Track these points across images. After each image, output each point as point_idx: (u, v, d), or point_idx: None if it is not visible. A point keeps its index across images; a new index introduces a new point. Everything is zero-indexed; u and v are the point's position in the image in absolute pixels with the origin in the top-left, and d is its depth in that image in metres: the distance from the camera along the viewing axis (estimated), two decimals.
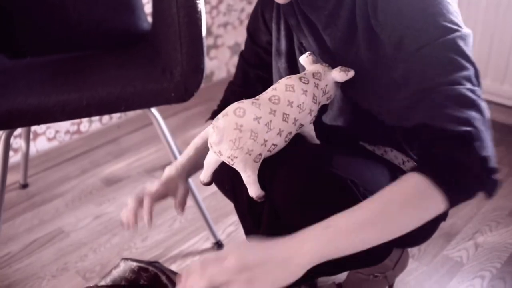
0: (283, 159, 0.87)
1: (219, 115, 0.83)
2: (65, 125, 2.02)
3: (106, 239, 1.52)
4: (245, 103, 0.83)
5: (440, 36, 0.79)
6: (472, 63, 0.79)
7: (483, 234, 1.49)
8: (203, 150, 1.02)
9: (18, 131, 1.86)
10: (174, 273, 1.07)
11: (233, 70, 2.57)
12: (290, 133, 0.86)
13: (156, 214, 1.61)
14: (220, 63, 2.50)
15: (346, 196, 0.86)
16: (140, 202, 0.95)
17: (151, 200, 0.95)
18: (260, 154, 0.83)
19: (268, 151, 0.84)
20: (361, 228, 0.71)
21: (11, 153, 1.87)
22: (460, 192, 0.74)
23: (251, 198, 0.87)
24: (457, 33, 0.79)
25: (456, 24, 0.80)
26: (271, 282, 0.68)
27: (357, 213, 0.72)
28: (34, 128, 1.93)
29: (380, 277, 1.18)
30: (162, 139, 1.40)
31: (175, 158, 1.41)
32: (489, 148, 0.75)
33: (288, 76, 0.88)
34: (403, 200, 0.72)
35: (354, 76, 0.90)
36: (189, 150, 1.04)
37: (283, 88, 0.86)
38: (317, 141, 0.95)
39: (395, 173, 0.99)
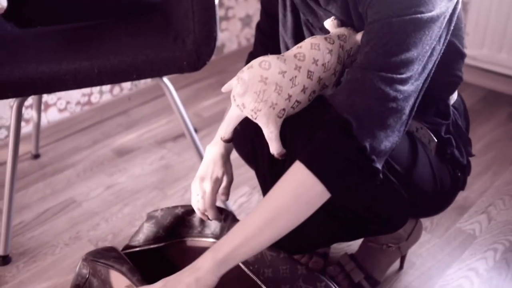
0: (305, 118, 0.86)
1: (244, 68, 0.82)
2: (76, 96, 2.01)
3: (118, 209, 1.52)
4: (270, 57, 0.82)
5: (390, 16, 0.77)
6: (410, 51, 0.77)
7: (496, 207, 1.47)
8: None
9: (29, 101, 1.86)
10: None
11: (244, 42, 2.54)
12: (314, 91, 0.85)
13: (168, 184, 1.62)
14: (231, 35, 2.48)
15: None
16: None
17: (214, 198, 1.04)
18: (284, 109, 0.82)
19: (291, 107, 0.83)
20: (255, 234, 0.81)
21: (22, 123, 1.87)
22: (337, 179, 0.79)
23: (272, 158, 0.86)
24: (409, 17, 0.76)
25: (418, 6, 0.76)
26: None
27: (249, 222, 0.82)
28: (45, 99, 1.92)
29: (393, 247, 1.18)
30: (174, 109, 1.39)
31: (187, 128, 1.41)
32: (374, 138, 0.77)
33: (313, 36, 0.87)
34: (291, 200, 0.80)
35: None
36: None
37: (309, 46, 0.84)
38: None
39: (412, 137, 0.99)
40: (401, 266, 1.27)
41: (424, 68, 0.81)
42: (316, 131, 0.81)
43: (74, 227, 1.46)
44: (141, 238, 1.08)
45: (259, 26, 1.11)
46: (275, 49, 1.07)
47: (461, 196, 1.49)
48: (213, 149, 1.08)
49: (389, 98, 0.77)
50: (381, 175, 0.81)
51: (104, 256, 0.99)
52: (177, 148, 1.80)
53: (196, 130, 1.88)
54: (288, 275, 0.94)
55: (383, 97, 0.77)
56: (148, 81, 2.23)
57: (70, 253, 1.37)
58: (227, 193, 1.08)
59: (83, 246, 1.39)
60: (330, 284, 0.92)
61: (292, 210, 0.80)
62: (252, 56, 1.13)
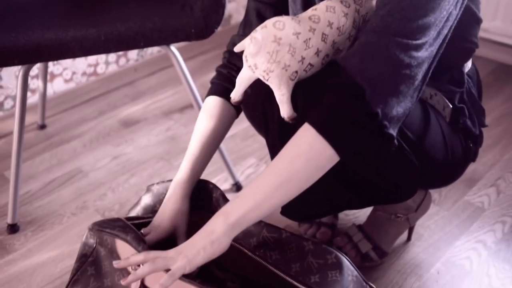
0: (317, 82, 0.84)
1: (258, 28, 0.80)
2: (81, 67, 1.99)
3: (125, 179, 1.52)
4: (285, 18, 0.80)
5: None
6: (428, 16, 0.75)
7: (505, 180, 1.46)
8: (211, 145, 1.02)
9: (35, 71, 1.85)
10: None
11: None
12: (327, 55, 0.83)
13: (174, 155, 1.61)
14: (238, 6, 2.44)
15: None
16: None
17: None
18: (296, 72, 0.80)
19: (304, 70, 0.81)
20: (266, 198, 0.80)
21: (28, 94, 1.86)
22: (348, 144, 0.78)
23: (283, 122, 0.85)
24: None
25: None
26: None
27: (261, 181, 0.81)
28: (50, 69, 1.91)
29: (402, 218, 1.17)
30: (182, 78, 1.37)
31: (195, 98, 1.40)
32: (386, 104, 0.76)
33: None
34: (302, 163, 0.78)
35: None
36: (194, 151, 1.02)
37: (324, 9, 0.82)
38: None
39: (425, 105, 0.97)
40: (409, 238, 1.26)
41: (439, 33, 0.79)
42: (327, 93, 0.79)
43: (80, 197, 1.46)
44: (139, 210, 1.08)
45: None
46: None
47: (470, 168, 1.48)
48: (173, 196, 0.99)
49: (403, 64, 0.76)
50: (396, 142, 0.80)
51: (110, 225, 0.99)
52: (184, 119, 1.79)
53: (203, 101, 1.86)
54: (295, 253, 0.92)
55: (397, 63, 0.76)
56: (155, 51, 2.20)
57: (77, 222, 1.37)
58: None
59: (90, 216, 1.39)
60: (340, 255, 0.91)
61: (302, 173, 0.79)
62: (237, 36, 1.05)
